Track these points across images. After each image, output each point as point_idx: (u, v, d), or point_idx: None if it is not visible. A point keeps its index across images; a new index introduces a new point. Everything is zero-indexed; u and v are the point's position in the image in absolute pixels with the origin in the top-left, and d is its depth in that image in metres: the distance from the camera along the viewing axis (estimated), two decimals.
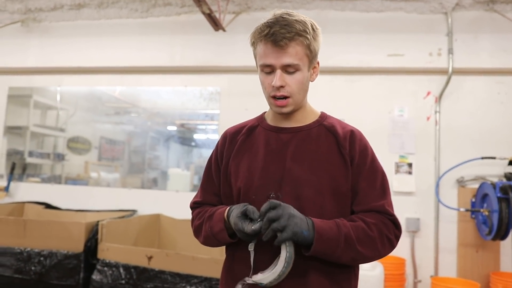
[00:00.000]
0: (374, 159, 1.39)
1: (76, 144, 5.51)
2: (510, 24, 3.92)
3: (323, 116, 1.46)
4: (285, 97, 1.31)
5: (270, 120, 1.46)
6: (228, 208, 1.34)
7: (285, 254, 1.19)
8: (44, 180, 5.35)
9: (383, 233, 1.29)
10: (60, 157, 5.56)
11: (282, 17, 1.28)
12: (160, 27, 4.75)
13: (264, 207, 1.21)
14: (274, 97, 1.32)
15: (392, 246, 1.33)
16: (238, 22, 4.49)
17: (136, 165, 5.74)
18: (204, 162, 5.56)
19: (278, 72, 1.28)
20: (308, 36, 1.28)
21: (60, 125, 5.64)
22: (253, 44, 1.34)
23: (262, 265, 1.27)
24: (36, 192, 4.96)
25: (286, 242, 1.19)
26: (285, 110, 1.34)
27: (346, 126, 1.43)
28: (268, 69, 1.31)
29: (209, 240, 1.41)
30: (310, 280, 1.29)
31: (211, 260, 3.12)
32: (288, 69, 1.29)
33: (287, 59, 1.27)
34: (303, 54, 1.29)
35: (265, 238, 1.20)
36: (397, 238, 1.34)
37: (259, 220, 1.21)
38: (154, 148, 5.89)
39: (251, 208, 1.25)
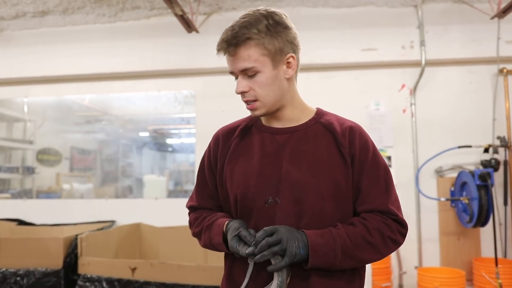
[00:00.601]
0: (375, 154, 1.35)
1: (47, 156, 5.32)
2: (479, 14, 3.99)
3: (319, 113, 1.41)
4: (254, 101, 1.30)
5: (264, 121, 1.42)
6: (227, 222, 1.31)
7: (277, 278, 1.20)
8: (14, 196, 5.13)
9: (385, 236, 1.27)
10: (30, 171, 5.36)
11: (236, 22, 1.26)
12: (129, 32, 4.62)
13: (260, 236, 1.19)
14: (246, 102, 1.31)
15: (398, 244, 1.31)
16: (210, 23, 4.42)
17: (110, 174, 5.59)
18: (179, 167, 5.46)
19: (239, 78, 1.28)
20: (258, 36, 1.23)
21: (28, 137, 5.44)
22: None
23: (262, 273, 1.24)
24: (7, 209, 4.76)
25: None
26: (257, 113, 1.32)
27: (344, 122, 1.39)
28: (234, 76, 1.31)
29: (208, 248, 1.39)
30: (312, 283, 1.25)
31: (197, 268, 3.06)
32: (247, 72, 1.26)
33: (239, 64, 1.26)
34: (258, 55, 1.24)
35: (260, 260, 1.17)
36: (403, 235, 1.32)
37: (253, 244, 1.20)
38: (127, 156, 5.76)
39: (244, 233, 1.23)
